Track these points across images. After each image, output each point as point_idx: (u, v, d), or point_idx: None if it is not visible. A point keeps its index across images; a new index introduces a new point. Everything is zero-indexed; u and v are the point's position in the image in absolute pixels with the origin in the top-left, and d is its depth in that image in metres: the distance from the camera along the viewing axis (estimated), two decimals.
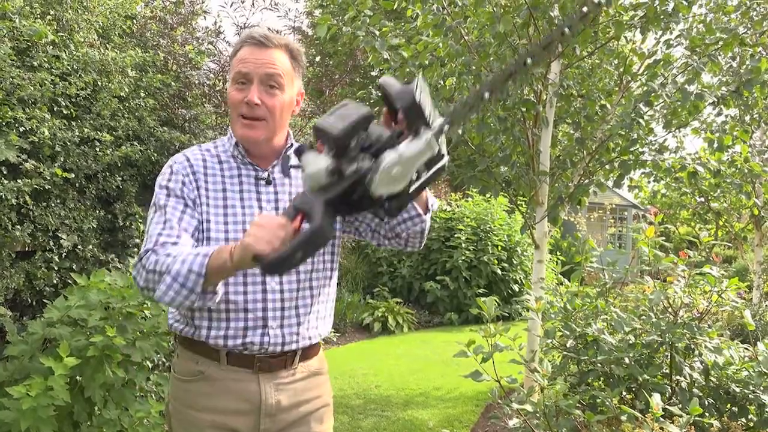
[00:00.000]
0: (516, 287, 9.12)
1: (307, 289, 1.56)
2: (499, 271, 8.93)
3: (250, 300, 1.48)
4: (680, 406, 2.24)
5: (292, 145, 1.63)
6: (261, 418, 1.52)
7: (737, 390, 2.38)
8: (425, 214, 1.60)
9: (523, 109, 4.06)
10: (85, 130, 3.48)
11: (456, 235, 8.91)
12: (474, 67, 3.99)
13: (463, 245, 8.81)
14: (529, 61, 1.34)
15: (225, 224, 1.50)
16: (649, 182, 5.65)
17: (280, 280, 1.51)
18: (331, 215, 1.26)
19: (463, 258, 8.73)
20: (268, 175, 1.57)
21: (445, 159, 1.32)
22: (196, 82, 4.41)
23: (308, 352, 1.60)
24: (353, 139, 1.25)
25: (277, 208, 1.55)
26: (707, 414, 2.27)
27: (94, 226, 3.57)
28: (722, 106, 4.14)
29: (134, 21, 4.42)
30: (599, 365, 2.49)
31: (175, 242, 1.43)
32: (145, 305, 2.85)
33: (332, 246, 1.63)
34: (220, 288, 1.40)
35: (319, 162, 1.25)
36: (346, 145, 1.25)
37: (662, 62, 4.10)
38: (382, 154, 1.23)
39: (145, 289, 1.41)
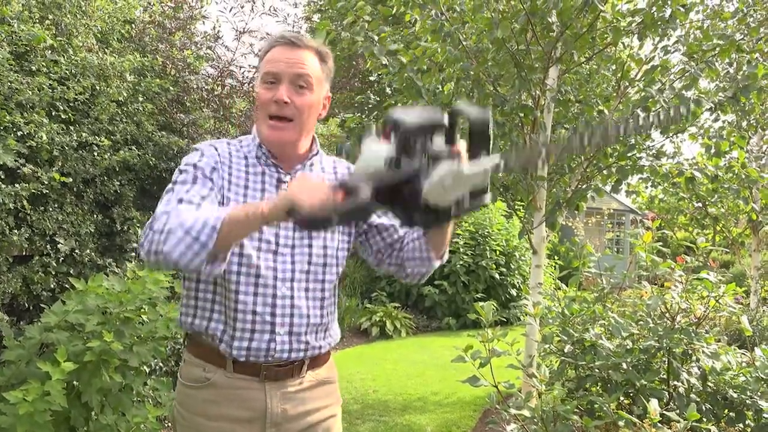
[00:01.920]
0: (514, 292, 9.11)
1: (318, 300, 1.55)
2: (497, 276, 8.93)
3: (259, 303, 1.47)
4: (678, 411, 2.25)
5: (318, 152, 1.62)
6: (266, 427, 1.50)
7: (735, 395, 2.38)
8: (436, 260, 1.59)
9: (521, 114, 4.07)
10: (83, 134, 3.48)
11: (454, 240, 8.91)
12: (472, 73, 4.00)
13: (461, 250, 8.81)
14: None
15: None
16: (646, 187, 5.66)
17: (291, 286, 1.50)
18: (374, 199, 1.26)
19: (461, 262, 8.73)
20: (291, 180, 1.54)
21: (488, 197, 1.31)
22: (195, 86, 4.42)
23: (317, 360, 1.59)
24: (421, 138, 1.25)
25: None
26: (705, 419, 2.27)
27: (92, 230, 3.56)
28: (719, 112, 4.16)
29: (133, 26, 4.42)
30: (597, 370, 2.49)
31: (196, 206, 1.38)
32: (142, 310, 2.84)
33: (340, 258, 1.61)
34: (229, 255, 1.36)
35: (380, 149, 1.26)
36: (413, 141, 1.24)
37: (660, 68, 4.12)
38: (440, 162, 1.22)
39: (150, 252, 1.31)
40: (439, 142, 1.27)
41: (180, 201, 1.39)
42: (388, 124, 1.27)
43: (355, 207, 1.23)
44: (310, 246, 1.53)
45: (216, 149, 1.52)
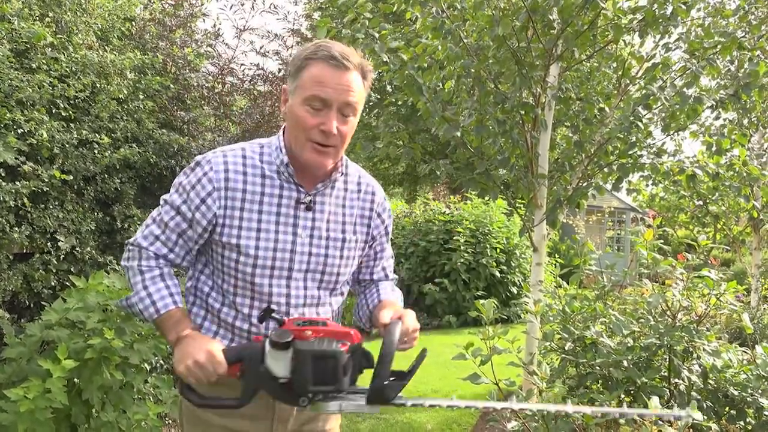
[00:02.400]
0: (514, 290, 9.12)
1: (329, 313, 1.60)
2: (497, 274, 8.93)
3: (271, 328, 1.49)
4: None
5: (345, 173, 1.59)
6: (274, 422, 1.53)
7: (735, 393, 2.38)
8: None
9: (522, 112, 4.06)
10: (84, 132, 3.48)
11: (455, 238, 8.91)
12: (473, 70, 3.99)
13: (462, 248, 8.81)
14: None
15: (256, 249, 1.47)
16: (647, 185, 5.65)
17: (303, 312, 1.53)
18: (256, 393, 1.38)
19: (462, 260, 8.73)
20: (310, 201, 1.51)
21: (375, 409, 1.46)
22: (195, 84, 4.41)
23: None
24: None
25: (311, 236, 1.51)
26: (705, 417, 2.27)
27: (93, 228, 3.56)
28: (720, 110, 4.15)
29: (133, 23, 4.42)
30: (598, 368, 2.49)
31: (165, 255, 1.50)
32: None
33: (351, 272, 1.65)
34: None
35: (279, 368, 1.33)
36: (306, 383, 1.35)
37: (661, 66, 4.11)
38: (331, 399, 1.38)
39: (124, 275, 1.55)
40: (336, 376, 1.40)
41: (156, 238, 1.51)
42: (296, 351, 1.33)
43: (230, 404, 1.37)
44: (322, 273, 1.55)
45: (227, 172, 1.47)
